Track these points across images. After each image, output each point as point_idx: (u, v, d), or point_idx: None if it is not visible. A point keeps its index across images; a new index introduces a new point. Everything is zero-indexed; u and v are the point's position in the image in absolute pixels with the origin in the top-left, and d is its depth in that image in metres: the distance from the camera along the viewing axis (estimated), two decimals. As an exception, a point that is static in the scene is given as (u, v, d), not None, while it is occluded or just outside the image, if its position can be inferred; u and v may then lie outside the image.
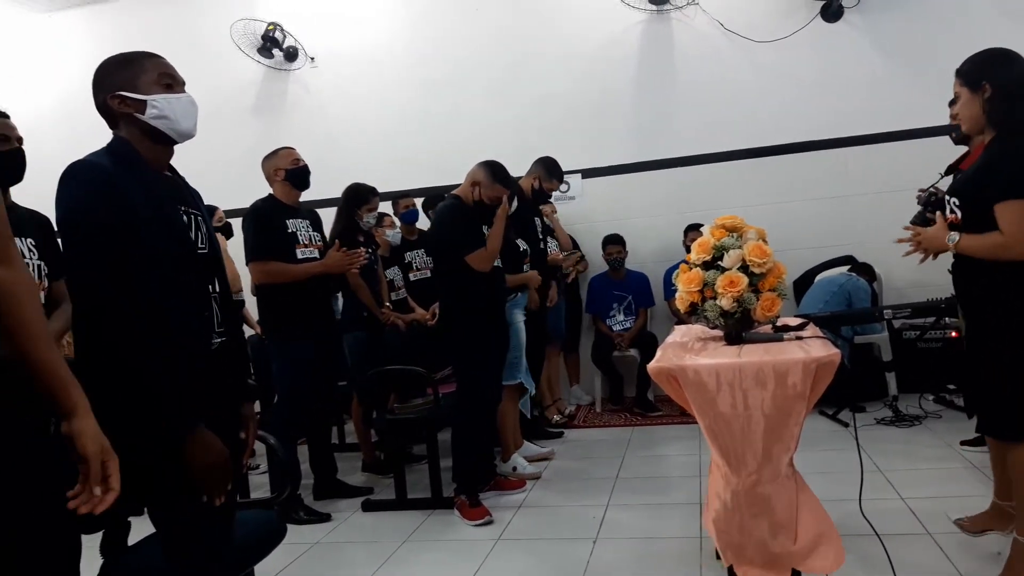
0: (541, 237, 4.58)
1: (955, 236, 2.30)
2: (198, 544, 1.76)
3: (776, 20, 5.65)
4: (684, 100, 5.87)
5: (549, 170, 4.50)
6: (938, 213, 2.47)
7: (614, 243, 5.69)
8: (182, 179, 1.89)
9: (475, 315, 3.60)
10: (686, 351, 2.44)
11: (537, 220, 4.52)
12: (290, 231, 3.71)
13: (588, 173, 6.05)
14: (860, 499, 2.67)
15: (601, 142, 6.00)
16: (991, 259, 2.25)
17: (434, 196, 5.15)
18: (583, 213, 6.03)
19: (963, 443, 3.91)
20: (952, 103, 2.49)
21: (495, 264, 3.74)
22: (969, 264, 2.35)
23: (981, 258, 2.27)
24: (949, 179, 2.70)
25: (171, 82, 1.79)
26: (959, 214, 2.35)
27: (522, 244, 4.16)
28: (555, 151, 5.94)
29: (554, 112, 6.01)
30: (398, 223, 5.11)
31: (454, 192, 3.74)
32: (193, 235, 1.80)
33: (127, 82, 1.74)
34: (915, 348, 4.97)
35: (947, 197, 2.44)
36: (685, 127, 5.86)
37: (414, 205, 5.12)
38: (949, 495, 3.22)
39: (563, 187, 5.97)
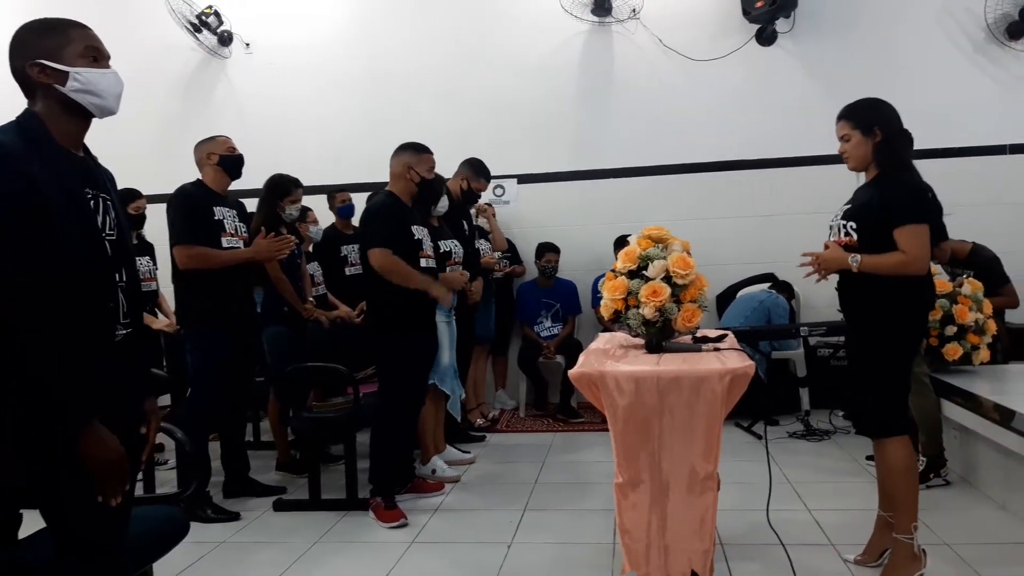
0: (468, 237, 4.55)
1: (857, 257, 2.51)
2: (90, 541, 1.67)
3: (713, 40, 5.78)
4: (621, 112, 5.96)
5: (476, 170, 4.48)
6: (830, 237, 2.68)
7: (551, 251, 5.72)
8: (94, 159, 1.80)
9: (404, 315, 3.54)
10: (607, 358, 2.47)
11: (464, 223, 4.48)
12: (217, 218, 3.61)
13: (524, 179, 6.07)
14: (767, 509, 2.73)
15: (538, 149, 6.03)
16: (891, 276, 2.48)
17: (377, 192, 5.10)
18: (517, 218, 6.04)
19: (868, 458, 4.06)
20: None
21: (428, 265, 3.69)
22: (854, 283, 2.58)
23: (881, 275, 2.49)
24: None
25: (97, 55, 1.72)
26: (855, 236, 2.57)
27: (444, 245, 4.11)
28: (493, 155, 5.94)
29: (493, 116, 6.01)
30: (320, 222, 5.02)
31: (388, 188, 3.67)
32: (101, 220, 1.71)
33: (50, 51, 1.66)
34: (828, 365, 5.15)
35: (841, 222, 2.64)
36: (621, 139, 5.95)
37: (350, 200, 5.05)
38: (853, 507, 3.33)
39: (498, 191, 6.01)
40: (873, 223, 2.52)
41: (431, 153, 3.68)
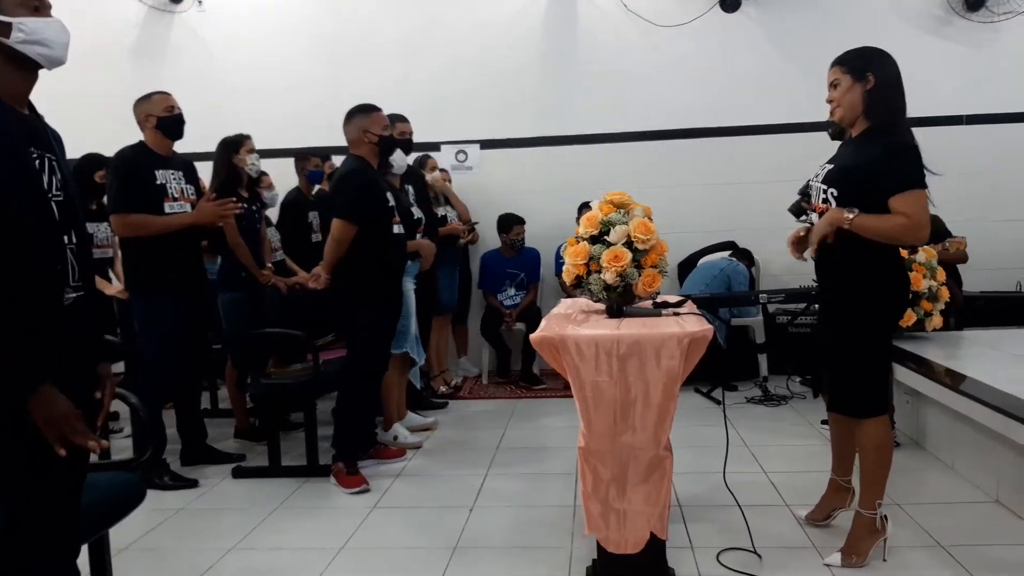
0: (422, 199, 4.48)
1: (855, 210, 2.31)
2: (40, 507, 1.64)
3: (677, 6, 5.76)
4: (584, 78, 5.91)
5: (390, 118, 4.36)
6: (813, 201, 2.58)
7: (519, 223, 5.66)
8: (40, 118, 1.74)
9: (370, 281, 3.50)
10: (569, 322, 2.47)
11: (410, 188, 4.40)
12: (159, 183, 3.51)
13: (487, 144, 6.01)
14: (724, 471, 2.78)
15: (501, 114, 5.97)
16: (884, 239, 2.33)
17: (321, 156, 5.01)
18: (479, 184, 5.98)
19: (823, 422, 4.15)
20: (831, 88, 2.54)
21: (399, 231, 3.66)
22: (833, 254, 2.47)
23: (871, 237, 2.32)
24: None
25: (39, 5, 1.65)
26: (834, 204, 2.43)
27: (417, 212, 4.09)
28: (455, 119, 5.93)
29: (455, 81, 5.93)
30: (276, 186, 4.91)
31: (356, 154, 3.59)
32: (47, 180, 1.65)
33: None
34: (786, 332, 5.23)
35: (821, 186, 2.51)
36: (584, 105, 5.91)
37: (320, 165, 4.95)
38: (807, 470, 3.41)
39: (460, 156, 5.97)
40: (857, 187, 2.36)
41: (380, 110, 3.62)
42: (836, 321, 2.54)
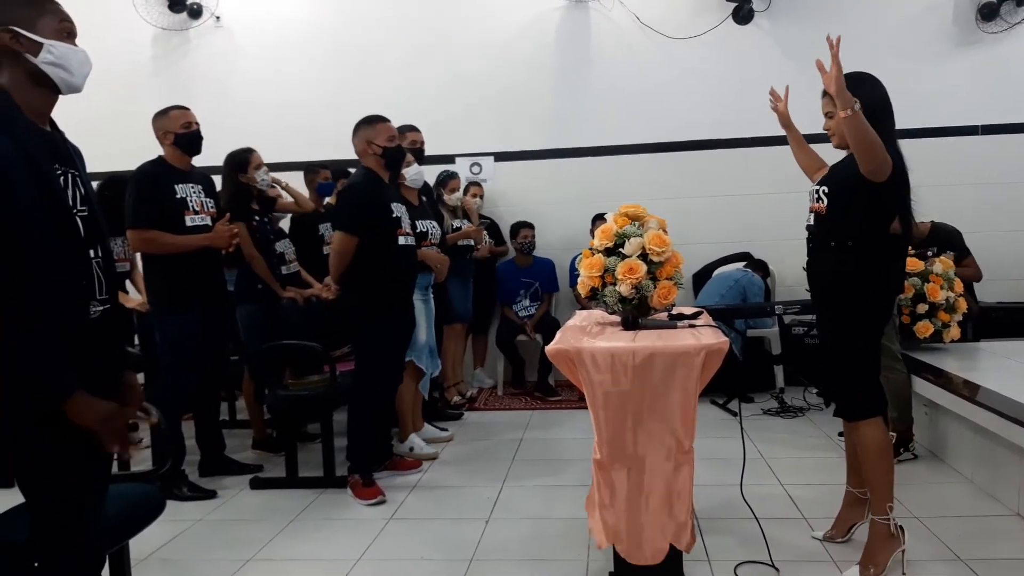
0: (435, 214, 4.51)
1: (857, 104, 2.33)
2: (63, 518, 1.67)
3: (690, 18, 5.78)
4: (597, 90, 5.94)
5: (400, 128, 4.39)
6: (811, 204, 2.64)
7: (526, 227, 5.70)
8: (61, 134, 1.77)
9: (375, 292, 3.51)
10: (584, 334, 2.48)
11: (423, 197, 4.42)
12: (179, 196, 3.54)
13: (500, 157, 6.04)
14: (741, 484, 2.77)
15: (515, 127, 6.00)
16: (865, 141, 2.32)
17: (338, 172, 5.04)
18: (494, 196, 6.02)
19: (840, 434, 4.12)
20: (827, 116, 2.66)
21: (407, 243, 3.68)
22: (823, 261, 2.56)
23: (856, 134, 2.33)
24: None
25: (70, 32, 1.71)
26: (825, 202, 2.54)
27: (422, 225, 4.10)
28: (468, 133, 5.97)
29: (469, 93, 5.97)
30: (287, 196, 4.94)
31: (365, 165, 3.62)
32: (71, 196, 1.69)
33: (25, 19, 1.63)
34: (802, 343, 5.21)
35: (816, 187, 2.63)
36: (597, 117, 5.93)
37: (330, 177, 4.99)
38: (825, 482, 3.39)
39: (475, 168, 6.00)
40: (846, 190, 2.46)
41: (387, 121, 3.61)
42: (828, 325, 2.62)
